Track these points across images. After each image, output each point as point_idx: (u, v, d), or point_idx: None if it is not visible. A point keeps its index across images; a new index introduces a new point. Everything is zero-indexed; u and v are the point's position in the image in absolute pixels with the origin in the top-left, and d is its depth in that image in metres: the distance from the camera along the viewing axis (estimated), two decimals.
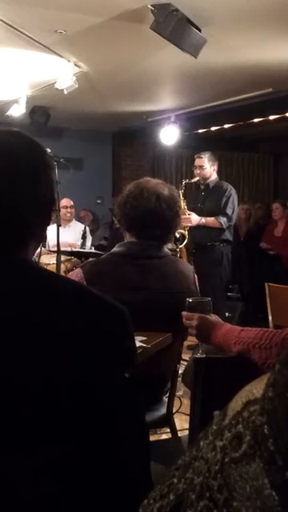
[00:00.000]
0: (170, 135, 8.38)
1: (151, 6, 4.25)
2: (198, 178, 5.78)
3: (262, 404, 0.47)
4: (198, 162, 5.76)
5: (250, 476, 0.45)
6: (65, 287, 1.06)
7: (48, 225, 1.16)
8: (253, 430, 0.46)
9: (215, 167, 5.78)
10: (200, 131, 9.79)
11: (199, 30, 4.54)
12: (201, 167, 5.71)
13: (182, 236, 5.49)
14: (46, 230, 1.14)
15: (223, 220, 5.47)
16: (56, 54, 5.65)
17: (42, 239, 1.12)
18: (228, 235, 5.62)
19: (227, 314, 5.97)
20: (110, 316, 1.05)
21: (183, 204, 5.32)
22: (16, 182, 1.05)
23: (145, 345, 2.11)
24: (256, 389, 0.50)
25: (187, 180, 5.91)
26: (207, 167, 5.69)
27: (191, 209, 5.60)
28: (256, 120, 8.86)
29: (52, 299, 1.01)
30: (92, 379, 0.97)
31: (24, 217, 1.05)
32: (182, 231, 5.44)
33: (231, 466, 0.47)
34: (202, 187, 5.82)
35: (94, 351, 0.98)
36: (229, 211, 5.53)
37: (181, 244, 5.49)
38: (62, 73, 6.13)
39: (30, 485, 0.94)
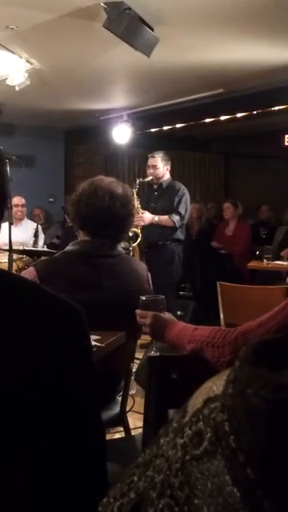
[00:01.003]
0: (122, 134, 8.38)
1: (104, 3, 4.23)
2: (151, 178, 5.77)
3: (222, 401, 0.47)
4: (151, 161, 5.75)
5: (211, 473, 0.45)
6: (19, 286, 1.05)
7: (1, 220, 1.13)
8: (213, 426, 0.46)
9: (168, 167, 5.79)
10: (152, 130, 9.81)
11: (152, 29, 4.55)
12: (154, 167, 5.71)
13: (135, 235, 5.49)
14: None
15: (176, 218, 5.49)
16: (7, 49, 5.56)
17: None
18: (180, 235, 5.64)
19: (179, 313, 6.01)
20: (66, 316, 1.03)
21: (137, 203, 5.32)
22: None
23: (98, 344, 2.10)
24: (216, 385, 0.50)
25: (141, 179, 5.89)
26: (160, 167, 5.70)
27: (144, 208, 5.60)
28: (207, 120, 8.94)
29: (6, 299, 0.99)
30: (50, 379, 0.96)
31: None
32: (135, 230, 5.44)
33: (192, 463, 0.47)
34: (155, 187, 5.82)
35: (52, 351, 0.97)
36: (181, 210, 5.56)
37: (134, 243, 5.49)
38: (13, 69, 6.03)
39: None
